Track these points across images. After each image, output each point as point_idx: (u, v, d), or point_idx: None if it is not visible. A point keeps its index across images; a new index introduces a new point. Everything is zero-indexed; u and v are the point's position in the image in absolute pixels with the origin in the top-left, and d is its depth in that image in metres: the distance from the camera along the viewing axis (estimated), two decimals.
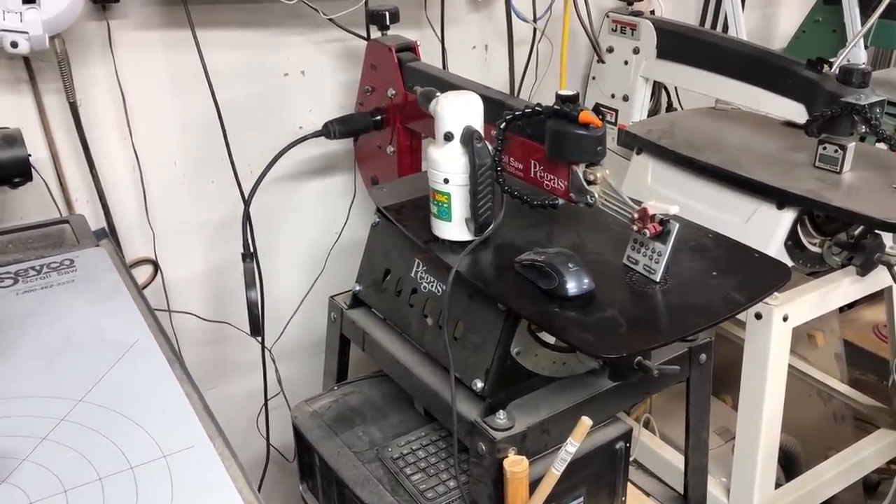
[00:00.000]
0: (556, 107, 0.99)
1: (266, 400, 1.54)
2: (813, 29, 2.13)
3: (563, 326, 0.92)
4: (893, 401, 1.28)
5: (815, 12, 2.11)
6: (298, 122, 1.52)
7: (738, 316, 1.39)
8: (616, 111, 1.78)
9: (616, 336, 0.90)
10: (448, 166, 1.05)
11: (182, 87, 1.37)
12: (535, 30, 1.66)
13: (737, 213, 1.38)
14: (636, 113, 1.74)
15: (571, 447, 0.97)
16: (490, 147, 1.04)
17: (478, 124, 1.04)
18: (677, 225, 0.96)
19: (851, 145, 1.33)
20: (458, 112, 1.04)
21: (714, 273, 1.01)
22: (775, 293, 1.34)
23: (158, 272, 1.46)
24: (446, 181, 1.06)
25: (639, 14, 1.69)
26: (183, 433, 0.77)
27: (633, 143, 1.57)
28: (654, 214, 0.96)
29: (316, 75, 1.51)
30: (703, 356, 1.19)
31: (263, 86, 1.47)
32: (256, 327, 1.30)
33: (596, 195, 1.00)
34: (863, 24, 1.95)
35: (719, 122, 1.63)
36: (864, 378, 1.93)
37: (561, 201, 1.04)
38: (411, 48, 1.34)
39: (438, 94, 1.09)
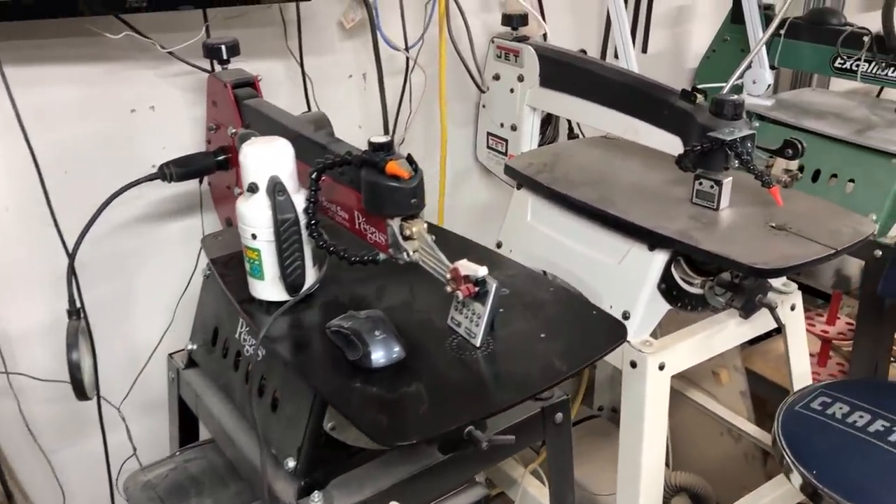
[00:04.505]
0: (364, 155, 0.89)
1: (109, 469, 1.42)
2: (722, 48, 2.06)
3: (358, 408, 0.82)
4: (773, 451, 1.19)
5: (723, 31, 2.04)
6: (151, 161, 1.40)
7: (614, 363, 1.31)
8: (506, 141, 1.69)
9: (412, 418, 0.80)
10: (254, 220, 0.95)
11: (6, 129, 1.26)
12: (407, 59, 1.56)
13: (611, 253, 1.29)
14: (525, 143, 1.65)
15: None
16: (301, 198, 0.95)
17: (286, 174, 0.95)
18: (495, 284, 0.87)
19: (727, 181, 1.25)
20: (263, 161, 0.94)
21: (542, 335, 0.92)
22: (650, 339, 1.25)
23: None
24: (254, 237, 0.96)
25: (523, 39, 1.60)
26: None
27: (513, 177, 1.48)
28: (467, 275, 0.86)
29: (167, 110, 1.40)
30: (560, 415, 1.09)
31: (109, 123, 1.36)
32: (81, 391, 1.18)
33: (410, 251, 0.90)
34: (769, 43, 1.88)
35: (609, 152, 1.54)
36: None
37: (382, 256, 0.94)
38: (251, 83, 1.23)
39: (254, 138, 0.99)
